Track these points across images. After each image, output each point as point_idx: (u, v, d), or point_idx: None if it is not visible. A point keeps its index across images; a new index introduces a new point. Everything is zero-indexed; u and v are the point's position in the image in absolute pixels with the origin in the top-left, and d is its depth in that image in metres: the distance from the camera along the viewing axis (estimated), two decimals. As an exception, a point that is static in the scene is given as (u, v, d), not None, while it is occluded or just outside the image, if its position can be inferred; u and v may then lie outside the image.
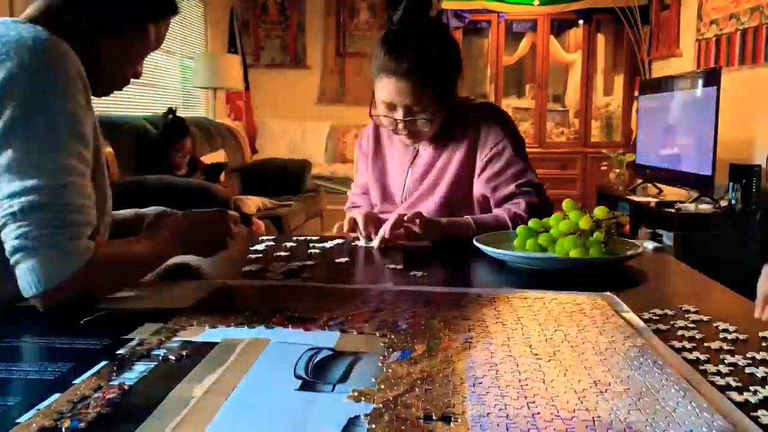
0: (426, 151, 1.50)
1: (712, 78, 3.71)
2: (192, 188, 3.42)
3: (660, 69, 5.18)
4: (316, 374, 0.63)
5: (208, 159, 4.13)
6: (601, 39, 6.16)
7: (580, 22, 5.95)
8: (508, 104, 6.31)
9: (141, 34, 0.99)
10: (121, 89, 1.05)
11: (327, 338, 0.72)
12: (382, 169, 1.59)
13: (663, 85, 4.47)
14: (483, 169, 1.44)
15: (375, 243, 1.29)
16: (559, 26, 6.15)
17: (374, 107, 1.44)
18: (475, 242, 1.17)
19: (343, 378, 0.62)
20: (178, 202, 3.53)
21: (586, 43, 5.93)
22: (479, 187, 1.45)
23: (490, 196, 1.44)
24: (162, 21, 1.03)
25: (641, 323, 0.79)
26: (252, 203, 3.93)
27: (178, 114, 3.81)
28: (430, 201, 1.47)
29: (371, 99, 1.45)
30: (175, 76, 5.13)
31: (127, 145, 3.46)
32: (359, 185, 1.68)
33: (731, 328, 0.77)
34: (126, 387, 0.59)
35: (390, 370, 0.64)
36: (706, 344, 0.73)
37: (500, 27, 5.92)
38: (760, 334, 0.75)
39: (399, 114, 1.38)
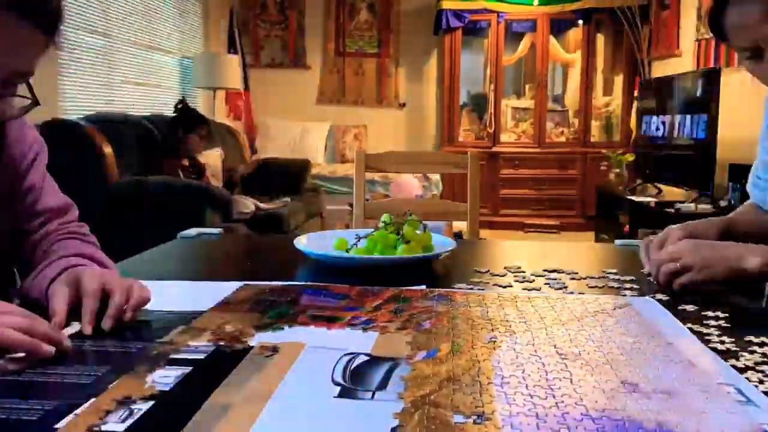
0: None
1: (712, 78, 3.72)
2: (192, 188, 3.42)
3: (660, 69, 5.19)
4: (354, 380, 0.62)
5: (203, 158, 4.15)
6: (600, 39, 6.17)
7: (580, 22, 5.97)
8: (508, 104, 6.33)
9: None
10: None
11: (362, 342, 0.72)
12: None
13: (663, 85, 4.48)
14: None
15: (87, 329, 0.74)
16: (559, 26, 6.16)
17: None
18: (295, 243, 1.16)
19: (382, 385, 0.61)
20: (178, 203, 3.53)
21: (586, 43, 5.95)
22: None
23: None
24: None
25: (677, 322, 0.79)
26: (246, 205, 3.96)
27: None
28: None
29: None
30: (175, 76, 5.13)
31: (127, 145, 3.45)
32: None
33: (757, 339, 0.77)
34: (163, 392, 0.58)
35: (416, 370, 0.63)
36: (737, 345, 0.73)
37: (500, 27, 5.93)
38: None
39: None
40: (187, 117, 3.84)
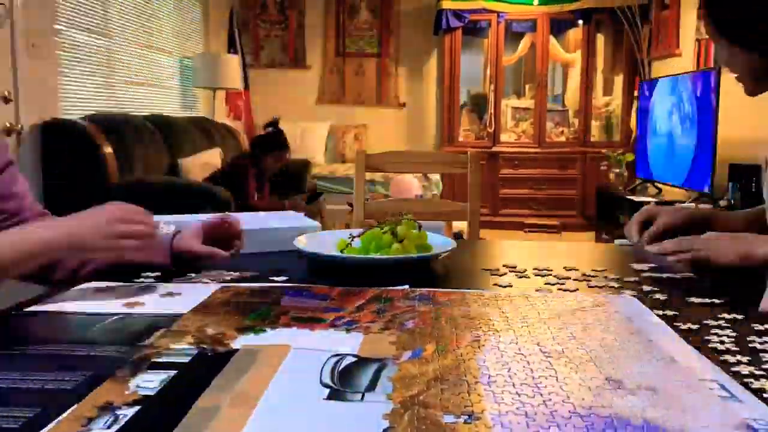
0: None
1: (712, 78, 3.72)
2: (192, 189, 3.43)
3: (660, 69, 5.19)
4: (343, 382, 0.62)
5: (203, 158, 4.16)
6: (600, 39, 6.17)
7: (580, 21, 5.97)
8: (508, 104, 6.33)
9: None
10: None
11: (347, 343, 0.72)
12: None
13: (662, 85, 4.48)
14: None
15: None
16: (559, 26, 6.16)
17: None
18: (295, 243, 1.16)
19: (371, 386, 0.61)
20: (178, 203, 3.55)
21: (586, 43, 5.95)
22: None
23: None
24: None
25: (657, 319, 0.80)
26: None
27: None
28: None
29: None
30: (175, 76, 5.13)
31: (127, 145, 3.46)
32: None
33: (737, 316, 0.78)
34: (148, 396, 0.57)
35: (403, 370, 0.64)
36: (737, 345, 0.73)
37: (500, 27, 5.93)
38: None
39: None
40: (270, 139, 3.96)
